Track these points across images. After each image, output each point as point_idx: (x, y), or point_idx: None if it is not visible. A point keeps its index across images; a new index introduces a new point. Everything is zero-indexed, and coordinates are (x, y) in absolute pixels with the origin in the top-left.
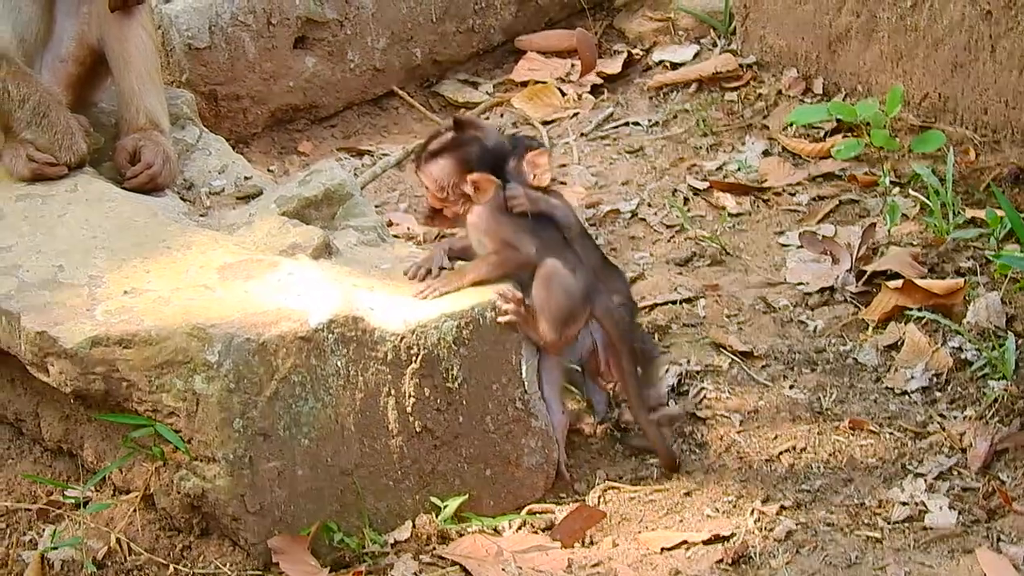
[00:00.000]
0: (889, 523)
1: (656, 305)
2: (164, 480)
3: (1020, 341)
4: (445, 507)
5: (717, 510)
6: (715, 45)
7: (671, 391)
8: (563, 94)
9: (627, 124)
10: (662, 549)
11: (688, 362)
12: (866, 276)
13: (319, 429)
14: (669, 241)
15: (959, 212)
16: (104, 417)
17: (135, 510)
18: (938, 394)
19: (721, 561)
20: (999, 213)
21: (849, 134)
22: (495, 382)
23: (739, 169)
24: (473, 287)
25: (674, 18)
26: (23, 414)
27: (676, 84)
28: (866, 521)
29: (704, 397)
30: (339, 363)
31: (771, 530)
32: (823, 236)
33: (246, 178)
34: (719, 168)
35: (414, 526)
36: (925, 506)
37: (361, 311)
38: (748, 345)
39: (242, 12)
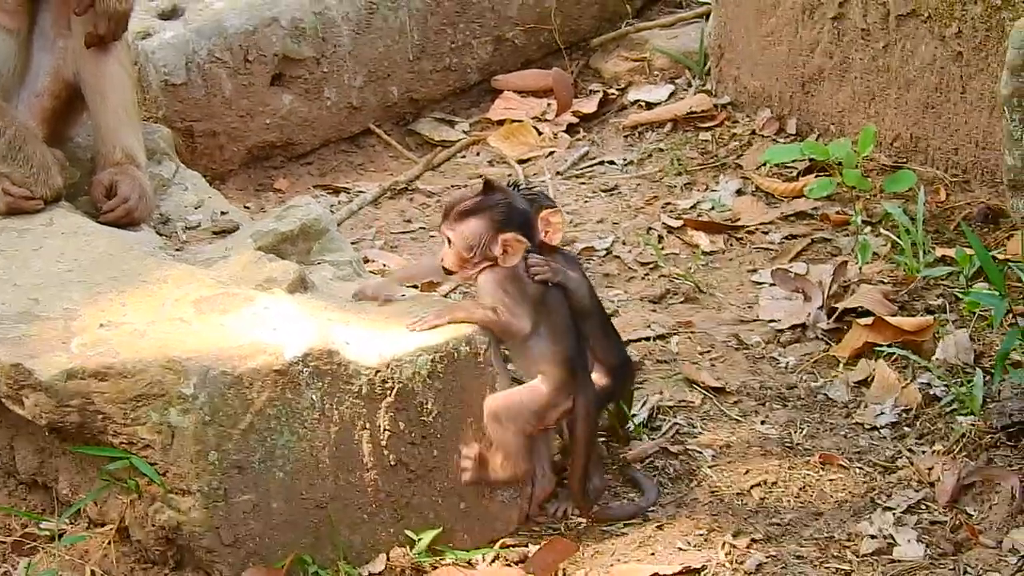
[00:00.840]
0: (858, 556)
1: (630, 342)
2: (139, 512)
3: (988, 377)
4: (419, 540)
5: (689, 543)
6: (690, 85)
7: (643, 426)
8: (539, 133)
9: (602, 163)
10: None
11: (661, 397)
12: (837, 313)
13: (294, 462)
14: (643, 279)
15: (929, 251)
16: (79, 450)
17: (110, 542)
18: (907, 429)
19: None
20: (968, 252)
21: (822, 173)
22: (470, 416)
23: (713, 208)
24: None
25: (649, 58)
26: None
27: (651, 123)
28: (835, 554)
29: (677, 432)
30: (314, 396)
31: (741, 563)
32: (795, 274)
33: (222, 213)
34: (693, 207)
35: (388, 559)
36: (894, 539)
37: (336, 345)
38: (720, 381)
39: (219, 49)
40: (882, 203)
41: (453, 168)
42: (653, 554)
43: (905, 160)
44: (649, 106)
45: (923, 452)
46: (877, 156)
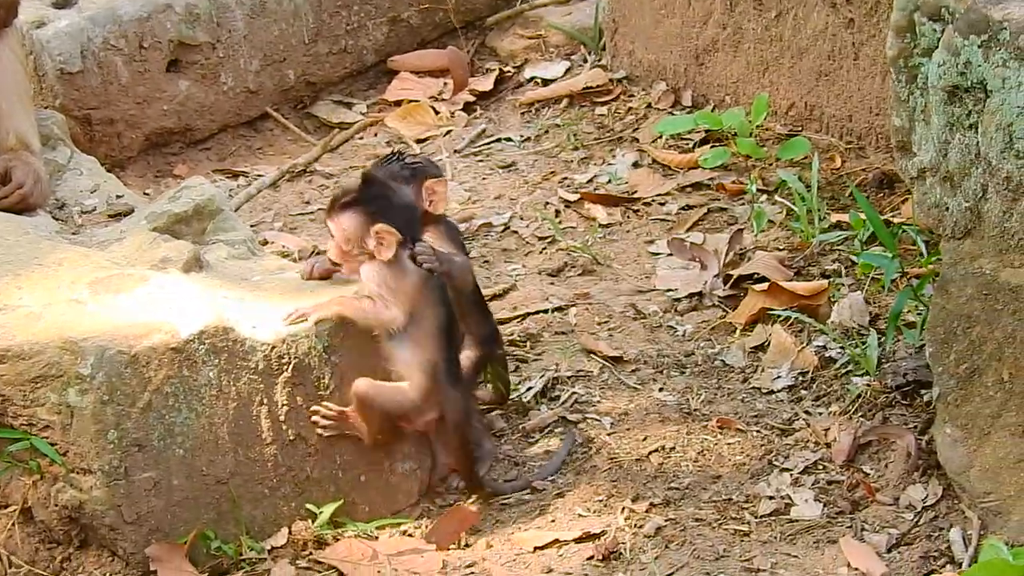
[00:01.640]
0: (756, 517)
1: (528, 314)
2: (41, 493)
3: (882, 338)
4: (321, 513)
5: (588, 510)
6: (585, 61)
7: (540, 396)
8: (436, 112)
9: (499, 140)
10: (535, 548)
11: (558, 368)
12: (733, 280)
13: (193, 439)
14: (541, 252)
15: (825, 217)
16: None
17: (14, 523)
18: (804, 392)
19: (592, 558)
20: (863, 216)
21: (717, 144)
22: None
23: (609, 181)
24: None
25: (545, 35)
26: None
27: (547, 100)
28: (734, 516)
29: (575, 401)
30: (211, 373)
31: (641, 527)
32: (691, 243)
33: (118, 197)
34: (590, 181)
35: (290, 532)
36: (791, 499)
37: (231, 322)
38: (618, 350)
39: (114, 36)
40: (777, 171)
41: (351, 150)
42: (553, 521)
43: (800, 128)
44: (545, 83)
45: (820, 414)
46: (772, 125)
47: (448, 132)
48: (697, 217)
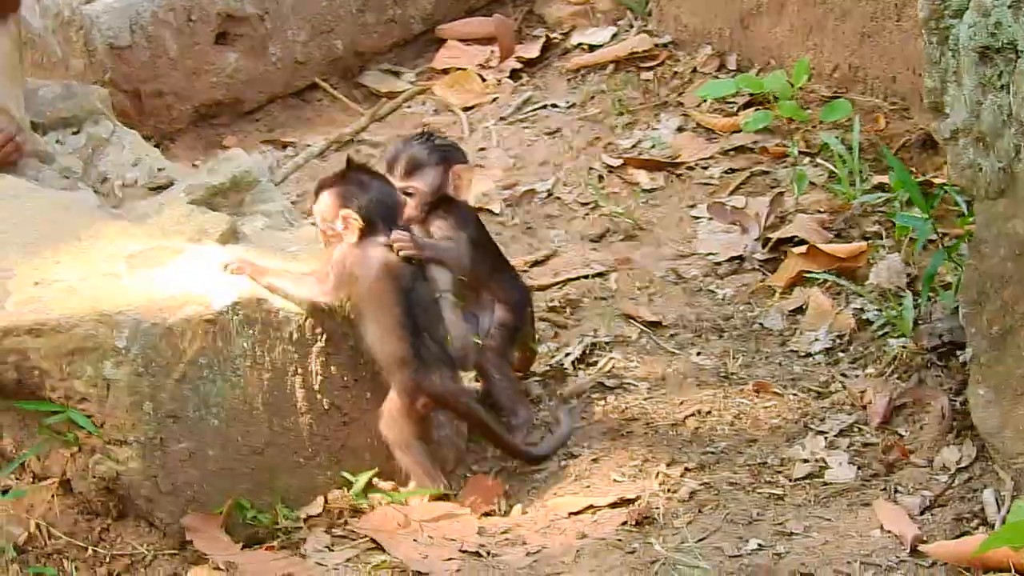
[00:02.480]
0: (790, 480)
1: (568, 280)
2: (80, 465)
3: (918, 300)
4: (356, 481)
5: (624, 475)
6: (631, 26)
7: (578, 362)
8: (483, 80)
9: (545, 107)
10: (569, 514)
11: (597, 333)
12: (773, 243)
13: (228, 409)
14: (584, 218)
15: (867, 179)
16: (18, 404)
17: (53, 495)
18: (841, 354)
19: (626, 523)
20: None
21: (761, 107)
22: None
23: (653, 146)
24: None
25: (591, 1)
26: None
27: (593, 66)
28: (768, 479)
29: (612, 367)
30: (245, 344)
31: (675, 491)
32: (732, 207)
33: (159, 169)
34: (634, 146)
35: (326, 501)
36: (825, 462)
37: (265, 293)
38: (657, 315)
39: (162, 10)
40: (820, 134)
41: (399, 118)
42: (589, 487)
43: (845, 90)
44: (592, 48)
45: (856, 376)
46: (817, 87)
47: (495, 99)
48: (740, 181)
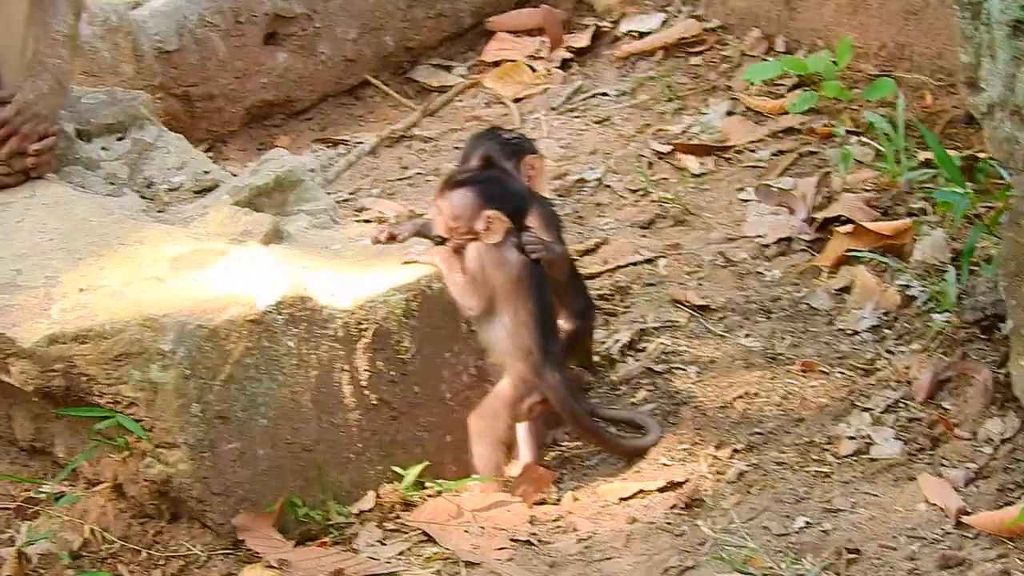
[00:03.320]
0: (837, 458)
1: (618, 267)
2: (131, 469)
3: (960, 274)
4: (407, 475)
5: (672, 459)
6: (680, 12)
7: (627, 348)
8: (533, 71)
9: (595, 95)
10: (619, 499)
11: (646, 319)
12: (819, 223)
13: (276, 408)
14: (634, 205)
15: (913, 156)
16: (67, 412)
17: (106, 500)
18: (887, 331)
19: (675, 506)
20: (950, 153)
21: (808, 88)
22: (447, 351)
23: (702, 131)
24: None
25: None
26: None
27: (643, 53)
28: (815, 457)
29: (661, 352)
30: (291, 343)
31: (723, 473)
32: (779, 189)
33: (204, 172)
34: (683, 131)
35: (377, 496)
36: (871, 439)
37: (310, 291)
38: (706, 299)
39: (209, 12)
40: (865, 112)
41: (451, 113)
42: (638, 472)
43: (891, 68)
44: (641, 36)
45: (901, 352)
46: (864, 66)
47: (545, 90)
48: (788, 162)
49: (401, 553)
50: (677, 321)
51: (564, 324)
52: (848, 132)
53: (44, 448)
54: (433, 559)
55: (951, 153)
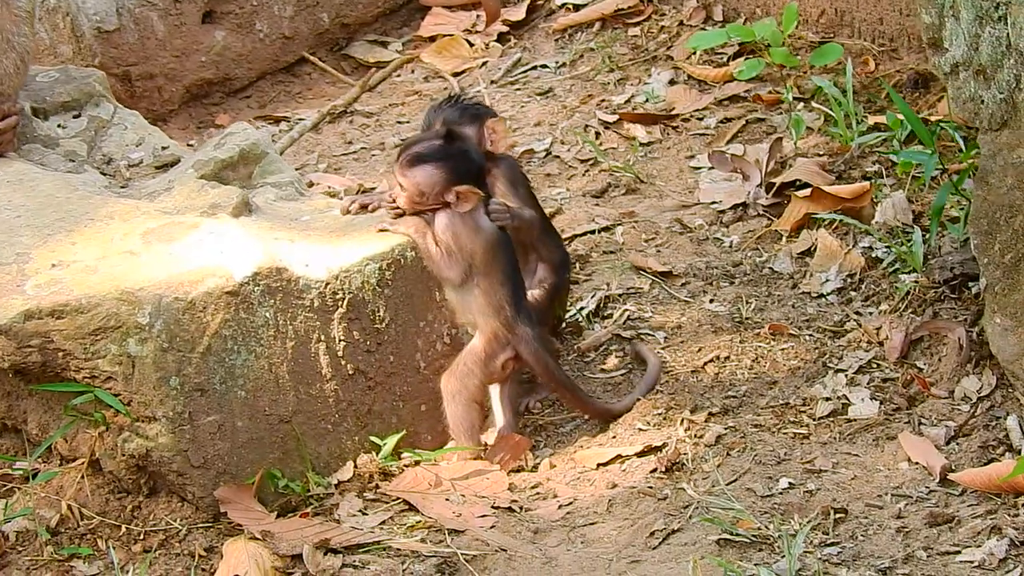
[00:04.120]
0: (814, 419)
1: (575, 236)
2: (108, 444)
3: (926, 235)
4: (384, 444)
5: (648, 423)
6: None
7: (593, 315)
8: (471, 45)
9: (535, 68)
10: (598, 465)
11: (609, 286)
12: (776, 188)
13: (254, 380)
14: (584, 175)
15: (862, 120)
16: (44, 387)
17: (83, 476)
18: (853, 293)
19: (655, 470)
20: (900, 117)
21: (750, 56)
22: (421, 320)
23: (647, 100)
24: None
25: None
26: None
27: (580, 24)
28: (792, 419)
29: (628, 318)
30: (267, 314)
31: (701, 437)
32: (732, 155)
33: (163, 148)
34: (627, 101)
35: (356, 466)
36: (848, 399)
37: (284, 262)
38: (667, 265)
39: None
40: (812, 79)
41: (390, 88)
42: (614, 437)
43: (832, 35)
44: (577, 8)
45: (870, 313)
46: (804, 33)
47: (484, 63)
48: (736, 129)
49: (383, 523)
50: (640, 287)
51: (546, 277)
52: (795, 99)
53: (15, 426)
54: (416, 527)
55: (900, 117)
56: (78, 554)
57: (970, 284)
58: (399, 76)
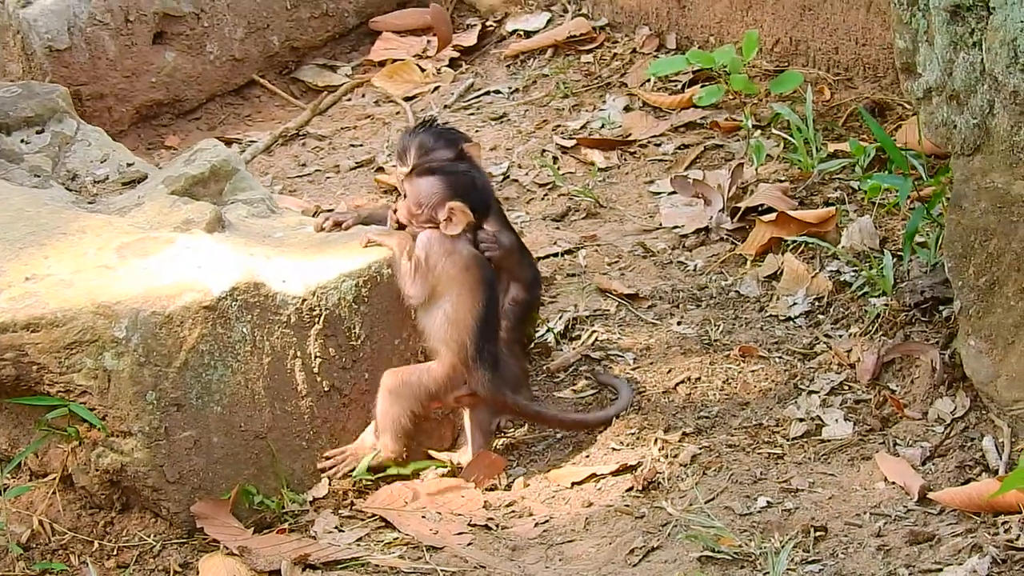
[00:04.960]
0: (788, 439)
1: (538, 259)
2: (81, 459)
3: (895, 260)
4: (360, 463)
5: (622, 443)
6: (566, 11)
7: (561, 336)
8: (422, 70)
9: (488, 93)
10: (572, 483)
11: (576, 308)
12: (740, 213)
13: (230, 396)
14: (543, 199)
15: (821, 147)
16: (17, 401)
17: (54, 492)
18: (821, 316)
19: (631, 489)
20: (863, 143)
21: (707, 83)
22: (397, 338)
23: (603, 126)
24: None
25: None
26: None
27: (532, 51)
28: (766, 439)
29: (596, 340)
30: (244, 329)
31: (676, 456)
32: (694, 180)
33: (128, 164)
34: (583, 127)
35: (330, 483)
36: (821, 420)
37: (262, 277)
38: (632, 288)
39: (99, 11)
40: (771, 106)
41: (341, 112)
42: (588, 456)
43: (787, 64)
44: (528, 35)
45: (840, 336)
46: (759, 62)
47: (436, 88)
48: (694, 156)
49: (360, 539)
50: (607, 309)
51: (517, 294)
52: (753, 126)
53: None
54: (394, 544)
55: (862, 144)
56: (50, 570)
57: (941, 307)
58: (350, 100)
